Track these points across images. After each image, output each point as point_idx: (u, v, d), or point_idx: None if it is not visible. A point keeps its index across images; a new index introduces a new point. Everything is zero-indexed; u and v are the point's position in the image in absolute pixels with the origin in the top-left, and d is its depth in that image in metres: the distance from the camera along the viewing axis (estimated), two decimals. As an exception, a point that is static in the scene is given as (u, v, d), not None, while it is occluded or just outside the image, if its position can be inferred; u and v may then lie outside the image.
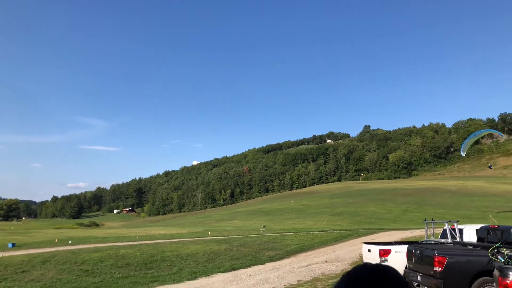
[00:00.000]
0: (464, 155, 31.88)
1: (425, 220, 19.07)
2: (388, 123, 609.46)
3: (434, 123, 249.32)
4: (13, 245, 39.41)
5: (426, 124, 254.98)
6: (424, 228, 19.74)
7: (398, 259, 15.41)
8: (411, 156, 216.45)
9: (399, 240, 30.19)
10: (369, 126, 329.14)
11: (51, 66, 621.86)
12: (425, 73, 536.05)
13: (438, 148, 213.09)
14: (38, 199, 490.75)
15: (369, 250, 17.12)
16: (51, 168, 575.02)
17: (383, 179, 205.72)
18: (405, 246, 15.14)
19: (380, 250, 16.00)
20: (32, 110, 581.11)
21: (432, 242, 16.63)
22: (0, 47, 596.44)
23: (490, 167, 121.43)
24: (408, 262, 14.37)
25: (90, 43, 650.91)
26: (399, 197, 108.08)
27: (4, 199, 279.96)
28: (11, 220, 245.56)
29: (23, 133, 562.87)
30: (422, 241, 18.03)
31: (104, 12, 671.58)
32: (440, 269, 11.60)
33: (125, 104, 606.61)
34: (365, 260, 17.78)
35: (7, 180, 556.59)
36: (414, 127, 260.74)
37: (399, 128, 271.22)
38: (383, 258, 15.83)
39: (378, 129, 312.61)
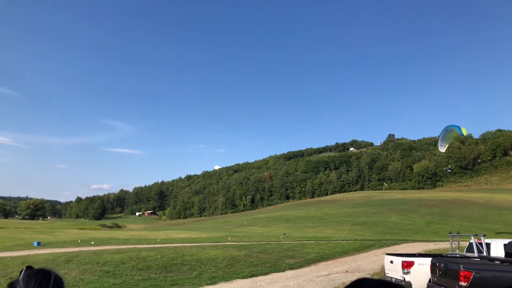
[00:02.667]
0: (443, 150, 31.05)
1: (450, 233, 18.57)
2: (412, 132, 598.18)
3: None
4: (39, 243, 40.39)
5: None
6: (448, 241, 19.25)
7: (421, 272, 15.03)
8: (436, 166, 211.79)
9: (423, 252, 29.48)
10: (393, 135, 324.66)
11: (77, 69, 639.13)
12: (451, 82, 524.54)
13: (465, 159, 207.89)
14: (63, 199, 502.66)
15: (391, 261, 16.77)
16: (75, 169, 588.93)
17: (406, 189, 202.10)
18: (429, 259, 14.77)
19: (403, 262, 15.64)
20: (58, 112, 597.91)
21: (458, 255, 16.18)
22: (27, 50, 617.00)
23: (448, 170, 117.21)
24: (431, 276, 14.01)
25: (118, 46, 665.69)
26: (422, 208, 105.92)
27: (31, 199, 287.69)
28: (37, 219, 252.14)
29: (49, 134, 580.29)
30: (447, 254, 17.55)
31: (130, 15, 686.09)
32: (465, 284, 11.25)
33: (149, 108, 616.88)
34: (387, 271, 17.43)
35: (34, 180, 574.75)
36: (439, 137, 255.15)
37: (424, 138, 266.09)
38: (405, 270, 15.48)
39: (402, 138, 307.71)
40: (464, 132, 32.04)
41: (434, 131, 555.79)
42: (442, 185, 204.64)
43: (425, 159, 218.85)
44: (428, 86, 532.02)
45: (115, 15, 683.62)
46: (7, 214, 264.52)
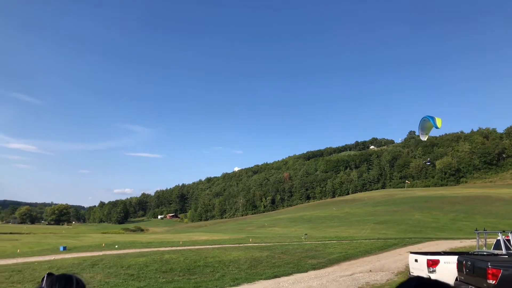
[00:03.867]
0: (424, 139, 30.62)
1: (477, 230, 18.17)
2: (434, 128, 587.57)
3: (484, 128, 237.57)
4: (64, 248, 41.25)
5: (475, 129, 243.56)
6: (475, 238, 18.83)
7: (447, 270, 14.76)
8: (459, 162, 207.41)
9: (448, 250, 28.95)
10: (414, 132, 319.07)
11: (99, 75, 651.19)
12: (472, 76, 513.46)
13: (489, 154, 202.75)
14: (86, 204, 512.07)
15: (416, 260, 16.52)
16: (98, 175, 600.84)
17: (429, 187, 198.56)
18: (455, 257, 14.50)
19: (428, 260, 15.39)
20: (80, 119, 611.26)
21: (485, 253, 15.82)
22: (50, 59, 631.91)
23: (428, 163, 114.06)
24: (458, 274, 13.74)
25: (137, 52, 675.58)
26: (446, 205, 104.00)
27: (55, 204, 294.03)
28: (62, 224, 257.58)
29: (72, 141, 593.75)
30: (474, 252, 17.18)
31: (147, 20, 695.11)
32: (494, 282, 10.99)
33: (168, 112, 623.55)
34: (412, 270, 17.16)
35: (58, 186, 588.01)
36: (462, 132, 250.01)
37: (445, 134, 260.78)
38: (431, 269, 15.22)
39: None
40: (439, 123, 31.73)
41: (456, 127, 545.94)
42: (466, 182, 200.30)
43: (447, 155, 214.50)
44: (448, 81, 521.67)
45: (133, 20, 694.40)
46: (33, 220, 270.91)
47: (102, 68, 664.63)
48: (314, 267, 24.27)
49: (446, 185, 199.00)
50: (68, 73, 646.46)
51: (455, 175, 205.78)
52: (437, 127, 32.35)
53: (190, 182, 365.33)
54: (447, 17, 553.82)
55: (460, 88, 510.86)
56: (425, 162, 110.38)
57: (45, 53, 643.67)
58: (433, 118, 32.41)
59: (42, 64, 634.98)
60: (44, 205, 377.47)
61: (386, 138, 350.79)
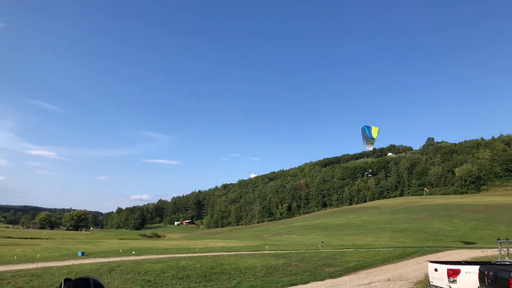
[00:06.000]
0: (370, 148, 30.20)
1: (499, 239, 17.76)
2: (453, 135, 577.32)
3: (505, 134, 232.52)
4: (83, 253, 41.75)
5: (496, 136, 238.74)
6: (497, 248, 18.38)
7: (468, 281, 14.44)
8: (480, 170, 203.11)
9: (469, 259, 28.30)
10: (432, 139, 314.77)
11: (117, 83, 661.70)
12: (493, 81, 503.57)
13: (511, 161, 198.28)
14: (104, 210, 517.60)
15: (435, 270, 16.20)
16: (116, 181, 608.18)
17: (448, 194, 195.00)
18: (476, 267, 14.18)
19: (448, 270, 15.08)
20: (99, 126, 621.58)
21: (507, 263, 15.41)
22: (70, 68, 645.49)
23: (368, 175, 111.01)
24: (480, 284, 13.42)
25: (158, 61, 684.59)
26: (467, 213, 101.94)
27: (74, 210, 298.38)
28: (80, 230, 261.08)
29: (91, 148, 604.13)
30: (496, 261, 16.76)
31: (164, 29, 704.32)
32: (517, 293, 10.69)
33: (186, 119, 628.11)
34: (431, 280, 16.83)
35: (77, 192, 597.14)
36: (482, 139, 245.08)
37: (465, 141, 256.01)
38: (451, 279, 14.91)
39: (442, 141, 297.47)
40: (374, 133, 31.26)
41: (476, 133, 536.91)
42: (487, 189, 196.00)
43: (467, 162, 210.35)
44: (467, 87, 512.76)
45: (151, 30, 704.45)
46: (53, 225, 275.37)
47: (121, 76, 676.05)
48: (331, 276, 24.03)
49: (466, 193, 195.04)
50: (88, 81, 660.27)
51: (476, 183, 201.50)
52: (372, 137, 32.23)
53: (207, 189, 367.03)
54: (469, 24, 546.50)
55: (479, 94, 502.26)
56: (367, 174, 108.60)
57: (66, 62, 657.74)
58: (368, 128, 32.26)
59: (63, 72, 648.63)
60: (63, 210, 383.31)
61: (404, 145, 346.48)
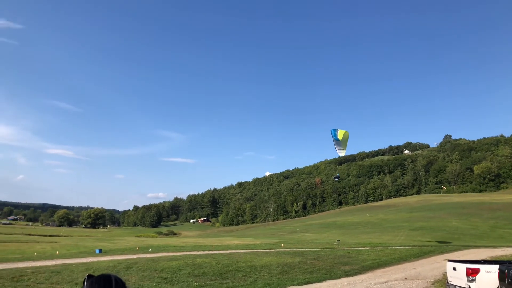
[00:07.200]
0: (342, 154, 29.45)
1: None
2: (471, 132, 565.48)
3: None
4: (100, 251, 42.30)
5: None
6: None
7: (488, 280, 14.18)
8: (499, 167, 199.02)
9: (488, 258, 27.81)
10: (450, 136, 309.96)
11: (135, 82, 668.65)
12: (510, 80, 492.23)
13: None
14: (121, 208, 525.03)
15: (454, 269, 15.94)
16: (133, 179, 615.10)
17: (467, 192, 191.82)
18: (496, 266, 13.91)
19: (467, 269, 14.82)
20: (117, 125, 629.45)
21: (529, 262, 15.08)
22: (88, 69, 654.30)
23: (336, 178, 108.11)
24: (500, 284, 13.17)
25: (174, 62, 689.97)
26: (486, 211, 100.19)
27: (91, 208, 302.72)
28: (98, 228, 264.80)
29: (108, 147, 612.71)
30: (517, 261, 16.41)
31: (183, 29, 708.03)
32: (540, 293, 10.44)
33: (201, 118, 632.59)
34: (450, 279, 16.57)
35: (94, 191, 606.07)
36: (502, 136, 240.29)
37: (484, 138, 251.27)
38: (470, 278, 14.65)
39: (460, 138, 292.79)
40: (340, 135, 30.63)
41: (495, 130, 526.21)
42: (506, 187, 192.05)
43: (486, 160, 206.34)
44: (485, 82, 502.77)
45: (168, 30, 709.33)
46: (71, 223, 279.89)
47: (137, 76, 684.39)
48: (347, 274, 23.87)
49: (485, 190, 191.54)
50: (105, 81, 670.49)
51: (495, 181, 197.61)
52: (337, 139, 31.72)
53: (222, 187, 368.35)
54: (487, 25, 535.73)
55: (499, 91, 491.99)
56: (334, 178, 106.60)
57: (83, 62, 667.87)
58: (335, 131, 31.73)
59: (80, 72, 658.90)
60: (81, 208, 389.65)
61: (420, 142, 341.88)
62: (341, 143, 31.79)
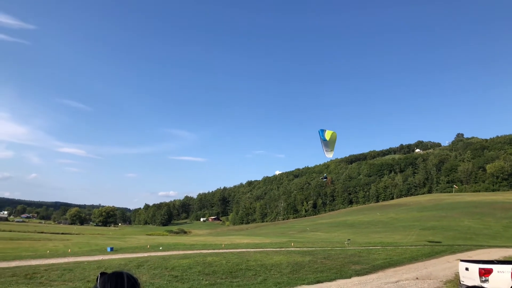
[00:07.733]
0: (329, 156, 28.84)
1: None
2: (483, 131, 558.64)
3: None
4: (111, 249, 42.65)
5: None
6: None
7: (501, 280, 14.01)
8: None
9: (502, 259, 27.48)
10: (462, 135, 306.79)
11: (146, 81, 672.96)
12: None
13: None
14: (132, 206, 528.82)
15: (466, 269, 15.78)
16: (144, 178, 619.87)
17: (479, 191, 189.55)
18: (510, 266, 13.74)
19: (480, 269, 14.66)
20: (128, 124, 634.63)
21: (543, 263, 14.87)
22: (100, 68, 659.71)
23: (324, 179, 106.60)
24: (514, 284, 12.98)
25: (185, 60, 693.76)
26: (499, 211, 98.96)
27: (103, 206, 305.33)
28: (109, 226, 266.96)
29: (119, 145, 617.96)
30: (530, 261, 16.19)
31: (191, 28, 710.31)
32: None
33: (212, 117, 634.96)
34: (462, 279, 16.40)
35: (106, 189, 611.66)
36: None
37: (497, 136, 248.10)
38: (483, 278, 14.49)
39: (472, 137, 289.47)
40: (328, 135, 30.09)
41: (508, 129, 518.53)
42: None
43: (499, 158, 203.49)
44: (500, 84, 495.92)
45: (179, 29, 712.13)
46: (82, 221, 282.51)
47: (149, 75, 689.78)
48: (358, 273, 23.76)
49: (498, 190, 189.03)
50: (116, 81, 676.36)
51: (508, 180, 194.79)
52: (325, 139, 31.24)
53: (231, 186, 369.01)
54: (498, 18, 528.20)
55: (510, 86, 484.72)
56: (322, 178, 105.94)
57: (95, 62, 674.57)
58: (322, 131, 31.27)
59: (92, 72, 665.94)
60: (92, 207, 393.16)
61: (432, 141, 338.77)
62: (328, 144, 31.36)
